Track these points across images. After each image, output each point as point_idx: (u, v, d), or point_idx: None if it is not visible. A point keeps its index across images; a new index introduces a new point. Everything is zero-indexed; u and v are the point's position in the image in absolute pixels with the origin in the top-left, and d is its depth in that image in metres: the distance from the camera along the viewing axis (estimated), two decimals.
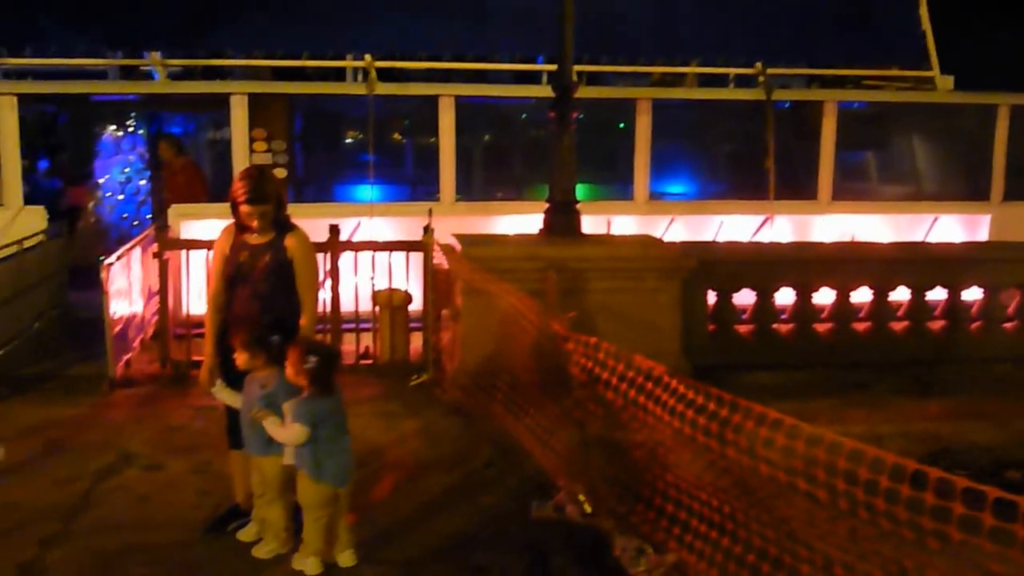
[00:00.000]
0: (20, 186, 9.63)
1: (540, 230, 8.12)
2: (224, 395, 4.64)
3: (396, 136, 11.80)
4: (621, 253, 7.85)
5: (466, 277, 7.17)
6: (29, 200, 9.86)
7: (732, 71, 11.28)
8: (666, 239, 9.17)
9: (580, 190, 8.22)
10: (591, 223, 8.39)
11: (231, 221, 4.61)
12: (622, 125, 11.26)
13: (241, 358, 4.41)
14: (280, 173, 9.00)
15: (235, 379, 4.55)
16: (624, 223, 10.32)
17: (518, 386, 6.20)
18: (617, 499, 4.86)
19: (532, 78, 10.98)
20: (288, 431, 4.26)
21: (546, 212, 8.08)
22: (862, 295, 8.67)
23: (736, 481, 4.05)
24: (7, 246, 8.36)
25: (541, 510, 5.00)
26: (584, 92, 8.25)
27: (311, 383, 4.23)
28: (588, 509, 4.87)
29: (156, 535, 4.83)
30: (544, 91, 8.89)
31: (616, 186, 11.43)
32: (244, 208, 4.44)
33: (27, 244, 8.73)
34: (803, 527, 3.84)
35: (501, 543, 4.74)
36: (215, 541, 4.73)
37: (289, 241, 4.55)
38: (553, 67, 9.16)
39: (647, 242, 8.38)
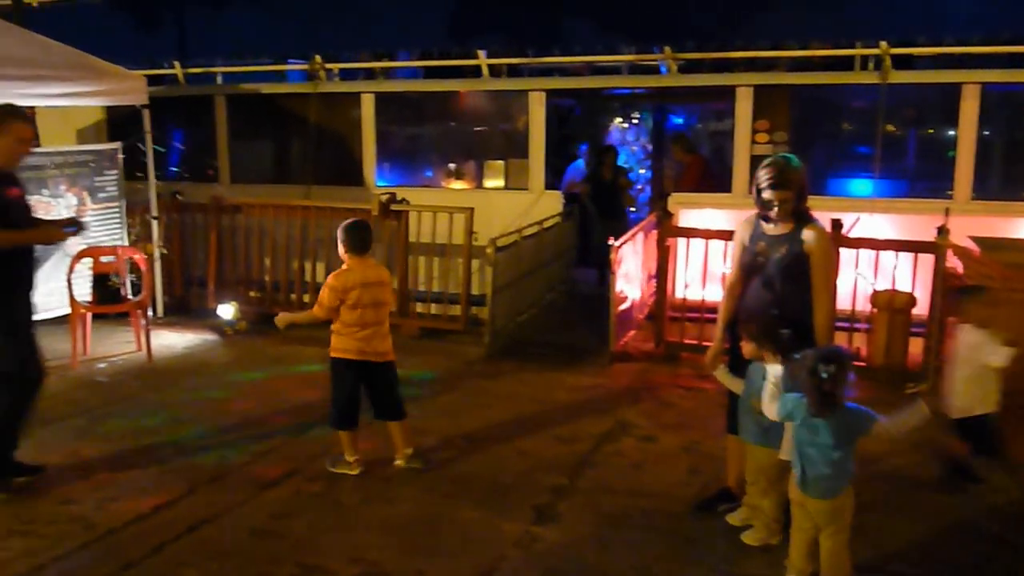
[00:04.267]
0: (543, 173, 10.68)
1: None
2: (726, 379, 4.70)
3: (890, 127, 11.05)
4: None
5: (986, 284, 6.50)
6: (549, 186, 10.90)
7: None
8: None
9: None
10: None
11: (753, 212, 4.62)
12: None
13: (747, 347, 4.44)
14: None
15: (739, 366, 4.60)
16: None
17: None
18: None
19: None
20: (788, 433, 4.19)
21: None
22: None
23: None
24: (530, 226, 9.35)
25: None
26: None
27: (811, 394, 3.93)
28: None
29: (649, 502, 5.09)
30: None
31: None
32: (766, 194, 4.40)
33: (546, 225, 9.74)
34: None
35: None
36: (704, 519, 4.85)
37: (807, 234, 4.43)
38: None
39: None
